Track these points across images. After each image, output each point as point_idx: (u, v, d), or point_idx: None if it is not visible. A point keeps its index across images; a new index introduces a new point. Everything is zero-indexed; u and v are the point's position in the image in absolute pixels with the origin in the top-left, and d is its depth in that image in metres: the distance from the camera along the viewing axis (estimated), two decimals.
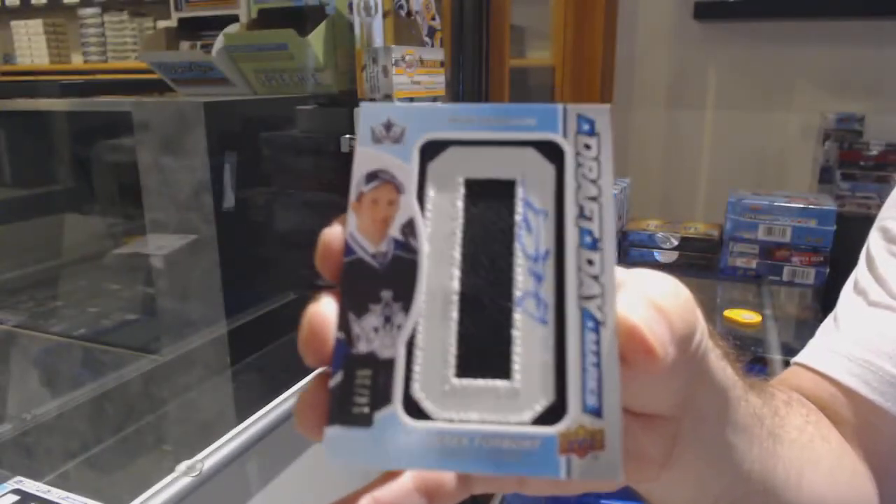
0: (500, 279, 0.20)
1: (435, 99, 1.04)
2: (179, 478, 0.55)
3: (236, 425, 0.63)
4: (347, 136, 0.97)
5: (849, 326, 0.47)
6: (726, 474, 0.30)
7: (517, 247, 0.20)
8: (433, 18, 1.03)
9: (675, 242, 1.36)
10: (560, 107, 0.21)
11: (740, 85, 2.11)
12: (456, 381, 0.19)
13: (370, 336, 0.20)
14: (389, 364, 0.19)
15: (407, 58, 0.95)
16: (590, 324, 0.20)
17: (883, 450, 0.43)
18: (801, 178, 2.05)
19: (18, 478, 0.54)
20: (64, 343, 0.87)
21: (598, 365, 0.19)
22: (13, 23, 3.86)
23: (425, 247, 0.20)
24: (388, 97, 0.94)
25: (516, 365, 0.20)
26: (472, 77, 1.45)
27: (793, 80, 2.05)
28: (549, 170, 0.21)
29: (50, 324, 0.91)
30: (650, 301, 0.21)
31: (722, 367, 0.27)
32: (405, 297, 0.20)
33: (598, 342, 0.19)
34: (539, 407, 0.19)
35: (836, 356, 0.45)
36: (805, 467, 0.36)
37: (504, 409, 0.19)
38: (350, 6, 0.94)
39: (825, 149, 1.78)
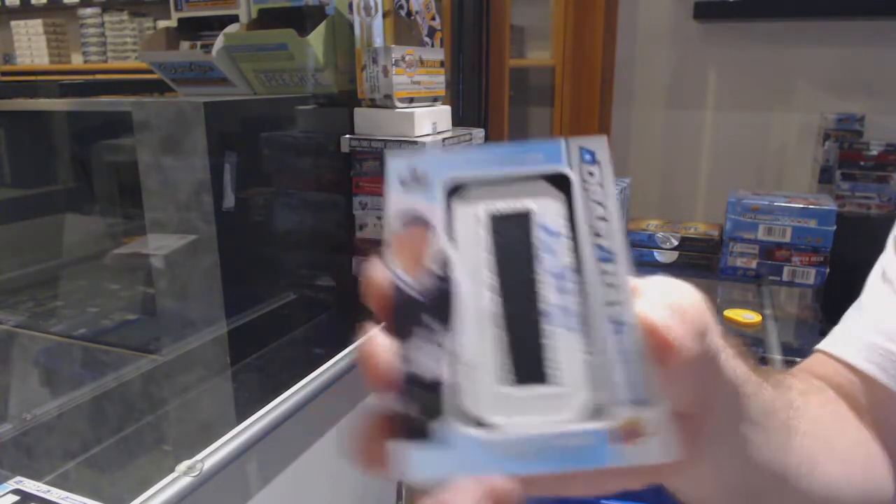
0: (529, 296, 0.22)
1: (435, 99, 1.04)
2: (179, 478, 0.55)
3: (236, 425, 0.63)
4: (348, 135, 0.97)
5: (872, 315, 0.48)
6: (742, 466, 0.31)
7: (541, 266, 0.23)
8: (433, 18, 1.03)
9: (675, 242, 1.36)
10: (562, 141, 0.24)
11: (740, 85, 2.11)
12: (503, 390, 0.22)
13: (420, 358, 0.22)
14: (441, 382, 0.21)
15: (407, 58, 0.95)
16: (614, 326, 0.22)
17: None
18: (801, 178, 2.05)
19: (18, 478, 0.54)
20: (64, 343, 0.87)
21: (626, 361, 0.21)
22: (13, 23, 3.86)
23: (458, 274, 0.23)
24: (387, 97, 0.94)
25: (555, 370, 0.22)
26: (472, 77, 1.45)
27: (793, 80, 2.05)
28: (559, 197, 0.24)
29: (50, 324, 0.91)
30: (667, 303, 0.23)
31: (733, 365, 0.29)
32: (447, 320, 0.22)
33: (623, 341, 0.22)
34: (581, 405, 0.21)
35: (857, 344, 0.46)
36: (819, 456, 0.37)
37: (551, 412, 0.21)
38: (350, 6, 0.94)
39: (825, 149, 1.78)
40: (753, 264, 1.28)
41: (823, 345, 0.49)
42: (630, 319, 0.22)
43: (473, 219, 0.23)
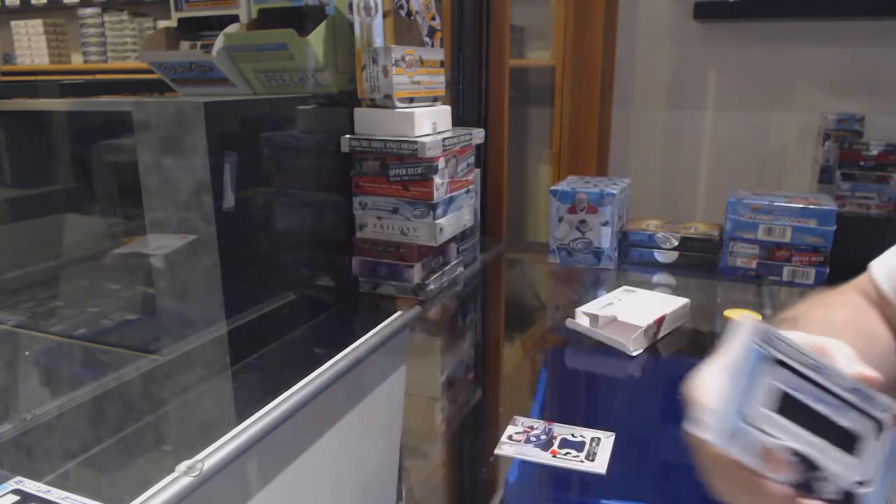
0: (827, 423, 0.41)
1: (435, 99, 1.04)
2: (179, 478, 0.55)
3: (236, 425, 0.63)
4: (348, 136, 0.97)
5: None
6: None
7: (815, 405, 0.41)
8: (433, 18, 1.03)
9: (675, 242, 1.36)
10: (753, 345, 0.41)
11: (740, 85, 2.11)
12: (851, 460, 0.40)
13: (828, 492, 0.40)
14: (846, 490, 0.40)
15: (407, 58, 0.95)
16: (856, 394, 0.41)
17: None
18: (801, 178, 2.05)
19: (18, 478, 0.54)
20: (64, 343, 0.87)
21: (872, 401, 0.41)
22: (13, 23, 3.86)
23: (803, 450, 0.40)
24: (387, 97, 0.94)
25: (858, 433, 0.41)
26: (472, 77, 1.45)
27: (793, 80, 2.05)
28: (777, 365, 0.41)
29: (50, 324, 0.91)
30: (850, 355, 0.43)
31: None
32: (816, 468, 0.40)
33: (862, 395, 0.41)
34: (876, 430, 0.41)
35: (888, 270, 0.63)
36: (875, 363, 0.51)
37: (873, 450, 0.41)
38: (350, 6, 0.94)
39: (825, 149, 1.78)
40: (753, 264, 1.28)
41: (873, 263, 0.65)
42: (857, 385, 0.41)
43: (774, 420, 0.40)
